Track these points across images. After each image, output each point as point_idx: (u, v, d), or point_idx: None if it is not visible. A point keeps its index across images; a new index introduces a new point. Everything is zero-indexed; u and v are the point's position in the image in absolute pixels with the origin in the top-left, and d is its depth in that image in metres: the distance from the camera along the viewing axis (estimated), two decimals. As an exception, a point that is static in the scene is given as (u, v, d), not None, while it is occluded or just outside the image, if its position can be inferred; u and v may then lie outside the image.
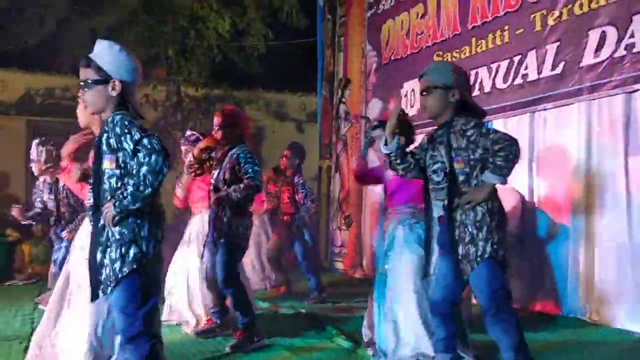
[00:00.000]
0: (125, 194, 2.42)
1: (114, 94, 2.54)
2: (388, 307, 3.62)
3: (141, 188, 2.41)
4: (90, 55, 2.56)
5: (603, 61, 4.52)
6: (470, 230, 2.81)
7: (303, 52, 9.64)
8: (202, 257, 4.40)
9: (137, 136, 2.43)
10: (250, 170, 3.94)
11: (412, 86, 6.74)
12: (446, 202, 2.89)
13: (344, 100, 8.42)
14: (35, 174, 5.53)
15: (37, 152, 5.37)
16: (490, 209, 2.82)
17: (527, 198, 5.21)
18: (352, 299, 5.77)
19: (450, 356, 3.06)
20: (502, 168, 2.75)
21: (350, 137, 8.20)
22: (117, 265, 2.45)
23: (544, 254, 5.02)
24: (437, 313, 3.04)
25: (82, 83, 2.56)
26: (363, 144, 4.27)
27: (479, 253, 2.78)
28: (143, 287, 2.48)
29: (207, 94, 9.87)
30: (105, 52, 2.56)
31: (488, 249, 2.78)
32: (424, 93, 2.98)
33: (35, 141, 5.41)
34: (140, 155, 2.41)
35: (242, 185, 3.92)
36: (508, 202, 5.14)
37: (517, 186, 5.27)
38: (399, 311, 3.56)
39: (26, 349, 3.92)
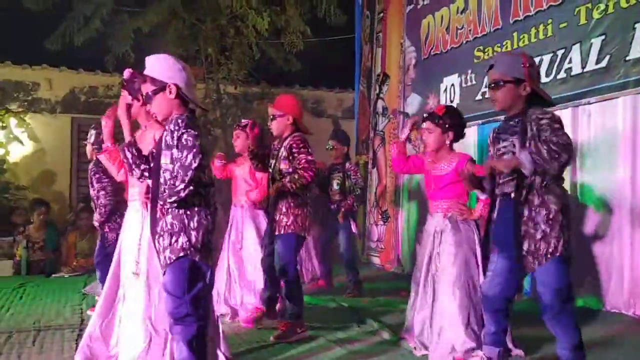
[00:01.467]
0: (165, 189, 2.64)
1: (172, 96, 2.73)
2: (432, 302, 3.65)
3: (176, 183, 2.59)
4: (145, 72, 2.78)
5: (650, 54, 4.45)
6: (542, 227, 2.81)
7: (340, 48, 9.68)
8: (241, 247, 4.61)
9: (178, 134, 2.64)
10: (303, 160, 3.98)
11: (452, 81, 6.72)
12: (514, 194, 2.87)
13: (381, 95, 8.43)
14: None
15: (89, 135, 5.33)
16: (562, 207, 2.82)
17: (570, 192, 5.15)
18: (389, 293, 5.80)
19: (499, 350, 3.08)
20: (540, 155, 2.67)
21: (387, 133, 8.20)
22: (167, 252, 2.64)
23: (588, 248, 4.96)
24: (492, 309, 3.06)
25: (146, 98, 2.80)
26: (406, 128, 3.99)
27: (551, 250, 2.80)
28: (190, 273, 2.64)
29: (245, 92, 9.99)
30: (154, 64, 2.77)
31: (560, 247, 2.79)
32: (493, 86, 2.95)
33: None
34: (175, 151, 2.62)
35: (296, 176, 3.97)
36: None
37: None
38: (442, 307, 3.58)
39: (78, 337, 4.09)
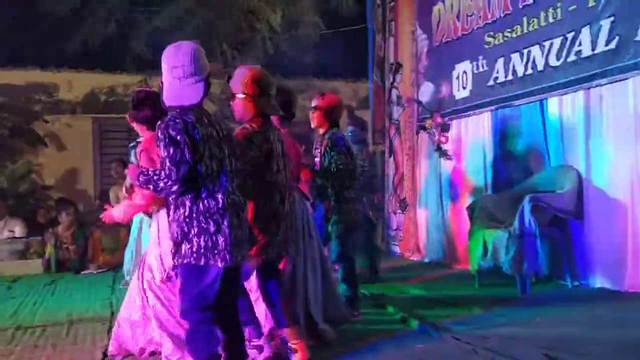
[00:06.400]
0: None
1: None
2: None
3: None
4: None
5: (659, 34, 4.48)
6: None
7: (353, 38, 9.73)
8: None
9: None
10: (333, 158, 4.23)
11: (463, 68, 6.77)
12: None
13: (395, 84, 8.49)
14: None
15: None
16: None
17: (584, 176, 5.19)
18: (409, 280, 5.91)
19: None
20: None
21: (403, 121, 8.27)
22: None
23: (602, 230, 5.01)
24: None
25: None
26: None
27: None
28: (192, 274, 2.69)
29: (260, 85, 10.08)
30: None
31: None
32: None
33: None
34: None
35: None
36: (566, 180, 5.18)
37: (575, 164, 5.28)
38: None
39: (109, 329, 4.25)
